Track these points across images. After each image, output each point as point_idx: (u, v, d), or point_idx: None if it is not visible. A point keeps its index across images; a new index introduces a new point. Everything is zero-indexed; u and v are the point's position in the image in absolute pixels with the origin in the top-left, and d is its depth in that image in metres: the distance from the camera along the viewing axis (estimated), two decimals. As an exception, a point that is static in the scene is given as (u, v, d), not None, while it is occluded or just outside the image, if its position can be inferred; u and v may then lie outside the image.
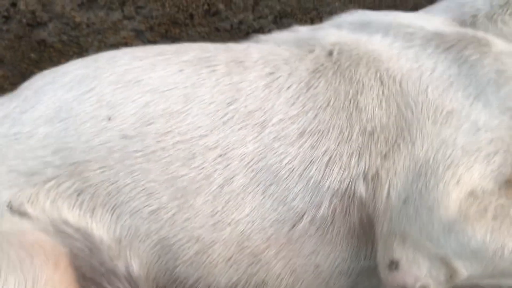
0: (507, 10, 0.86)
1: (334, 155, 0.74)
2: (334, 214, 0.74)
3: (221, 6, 1.14)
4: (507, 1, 0.87)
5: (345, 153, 0.75)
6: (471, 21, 0.87)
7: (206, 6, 1.13)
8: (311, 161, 0.74)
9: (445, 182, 0.69)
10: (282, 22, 1.15)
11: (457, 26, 0.86)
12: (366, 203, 0.74)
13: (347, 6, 1.15)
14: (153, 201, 0.73)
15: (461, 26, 0.87)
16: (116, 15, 1.25)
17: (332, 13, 1.06)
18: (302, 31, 0.93)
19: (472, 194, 0.69)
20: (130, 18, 1.24)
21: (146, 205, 0.73)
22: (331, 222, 0.74)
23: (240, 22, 1.19)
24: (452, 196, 0.68)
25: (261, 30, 1.02)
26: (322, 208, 0.73)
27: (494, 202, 0.68)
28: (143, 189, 0.73)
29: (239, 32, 1.12)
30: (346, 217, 0.74)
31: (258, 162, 0.74)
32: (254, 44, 0.90)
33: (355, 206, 0.74)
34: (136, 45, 1.21)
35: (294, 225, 0.74)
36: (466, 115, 0.75)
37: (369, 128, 0.76)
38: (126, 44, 1.26)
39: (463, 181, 0.69)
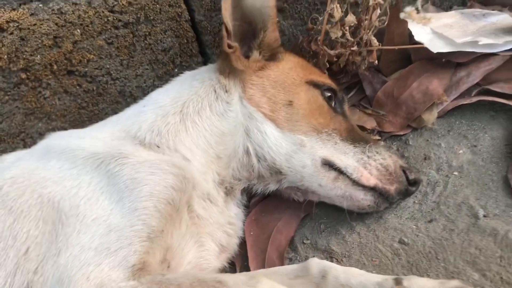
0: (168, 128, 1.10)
1: None
2: None
3: None
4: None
5: (1, 275, 0.88)
6: (140, 138, 1.09)
7: None
8: None
9: (75, 280, 0.82)
10: None
11: (120, 138, 1.08)
12: None
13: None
14: None
15: (126, 136, 1.09)
16: None
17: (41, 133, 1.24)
18: (6, 160, 1.09)
19: (100, 285, 0.82)
20: None
21: None
22: None
23: None
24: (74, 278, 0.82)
25: None
26: None
27: (123, 286, 0.82)
28: None
29: None
30: None
31: None
32: None
33: None
34: None
35: None
36: (105, 220, 0.90)
37: (23, 249, 0.90)
38: None
39: (92, 276, 0.82)
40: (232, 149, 1.14)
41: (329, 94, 1.21)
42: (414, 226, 1.11)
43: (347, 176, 1.09)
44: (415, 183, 1.13)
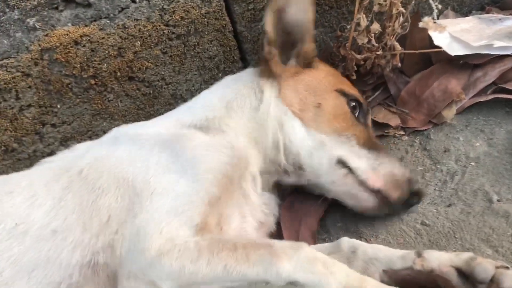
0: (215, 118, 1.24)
1: (78, 242, 1.02)
2: (85, 278, 1.01)
3: (15, 145, 1.36)
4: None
5: (86, 237, 1.02)
6: (193, 124, 1.23)
7: (3, 147, 1.35)
8: (62, 249, 1.01)
9: (150, 234, 0.96)
10: (68, 143, 1.39)
11: (177, 127, 1.22)
12: (108, 265, 1.02)
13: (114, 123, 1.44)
14: None
15: (182, 125, 1.22)
16: None
17: (104, 131, 1.35)
18: (79, 149, 1.23)
19: (171, 239, 0.95)
20: None
21: None
22: (84, 284, 1.01)
23: (34, 151, 1.39)
24: (153, 242, 0.95)
25: (53, 153, 1.28)
26: (74, 277, 1.00)
27: (189, 241, 0.95)
28: None
29: (35, 158, 1.36)
30: (95, 277, 1.02)
31: (22, 258, 1.00)
32: (34, 171, 1.20)
33: (100, 269, 1.02)
34: None
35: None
36: (173, 189, 1.05)
37: (105, 217, 1.04)
38: None
39: (165, 231, 0.96)
40: (265, 139, 1.25)
41: (354, 104, 1.30)
42: (434, 210, 1.22)
43: (356, 176, 1.19)
44: (417, 194, 1.21)
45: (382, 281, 1.02)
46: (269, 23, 1.25)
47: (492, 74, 1.40)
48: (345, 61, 1.47)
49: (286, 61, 1.33)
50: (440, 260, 1.00)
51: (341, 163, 1.21)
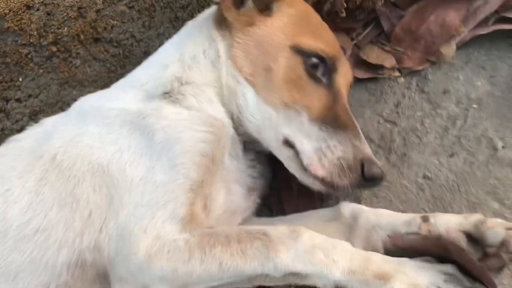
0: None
1: (62, 241, 0.98)
2: (74, 277, 0.98)
3: None
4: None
5: (70, 237, 0.98)
6: (155, 93, 1.11)
7: None
8: (46, 249, 0.98)
9: (135, 234, 0.92)
10: (38, 117, 1.29)
11: (143, 99, 1.11)
12: (96, 263, 0.98)
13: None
14: None
15: (146, 95, 1.11)
16: None
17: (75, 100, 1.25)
18: (47, 125, 1.16)
19: (157, 237, 0.91)
20: None
21: None
22: (73, 283, 0.99)
23: (2, 129, 1.32)
24: (140, 244, 0.90)
25: (23, 129, 1.21)
26: (62, 277, 0.97)
27: (177, 238, 0.91)
28: None
29: (4, 137, 1.26)
30: (84, 275, 0.99)
31: (4, 261, 0.97)
32: (3, 156, 1.12)
33: (88, 267, 0.99)
34: None
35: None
36: (150, 178, 0.98)
37: (87, 212, 0.99)
38: None
39: (149, 229, 0.91)
40: (229, 102, 1.16)
41: (314, 62, 1.12)
42: (436, 161, 1.19)
43: (300, 160, 1.05)
44: (373, 179, 1.04)
45: (386, 249, 1.01)
46: None
47: (494, 1, 1.30)
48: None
49: (241, 4, 1.15)
50: (448, 224, 0.97)
51: (288, 143, 1.08)
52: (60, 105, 1.30)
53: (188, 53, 1.15)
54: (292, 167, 1.07)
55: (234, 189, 1.15)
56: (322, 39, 1.15)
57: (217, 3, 1.11)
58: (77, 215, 0.99)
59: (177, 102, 1.09)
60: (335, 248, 0.89)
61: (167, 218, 0.93)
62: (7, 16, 1.09)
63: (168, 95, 1.10)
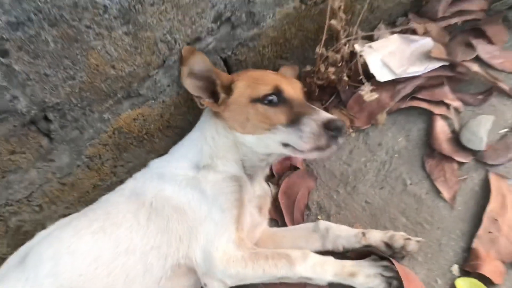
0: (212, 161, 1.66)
1: (166, 254, 1.53)
2: (174, 273, 1.54)
3: (99, 183, 1.88)
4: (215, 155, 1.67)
5: (170, 251, 1.53)
6: (200, 165, 1.64)
7: (92, 186, 1.91)
8: (158, 259, 1.53)
9: (212, 251, 1.48)
10: (131, 173, 1.81)
11: (193, 168, 1.64)
12: (187, 264, 1.54)
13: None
14: None
15: (195, 168, 1.64)
16: None
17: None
18: (137, 179, 1.72)
19: (224, 252, 1.48)
20: None
21: None
22: (174, 276, 1.54)
23: (111, 183, 1.89)
24: (216, 256, 1.47)
25: (122, 181, 1.78)
26: (168, 273, 1.53)
27: (237, 254, 1.49)
28: None
29: (112, 187, 1.80)
30: (180, 271, 1.55)
31: (134, 267, 1.50)
32: (118, 202, 1.64)
33: (182, 267, 1.54)
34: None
35: (159, 281, 1.53)
36: (212, 217, 1.53)
37: (178, 236, 1.54)
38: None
39: (220, 248, 1.48)
40: (239, 155, 1.67)
41: (270, 98, 1.54)
42: (372, 192, 1.78)
43: (294, 147, 1.51)
44: (336, 128, 1.43)
45: (345, 251, 1.62)
46: (189, 86, 1.62)
47: (409, 87, 1.90)
48: (309, 84, 2.00)
49: (218, 98, 1.61)
50: (375, 237, 1.57)
51: (285, 144, 1.54)
52: (145, 162, 1.79)
53: (208, 135, 1.67)
54: (294, 154, 1.55)
55: (252, 211, 1.69)
56: (264, 83, 1.58)
57: (204, 107, 1.66)
58: (172, 238, 1.52)
59: (214, 169, 1.62)
60: (326, 262, 1.47)
61: (226, 240, 1.48)
62: (123, 126, 1.68)
63: (208, 166, 1.63)
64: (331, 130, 1.43)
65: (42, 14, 1.27)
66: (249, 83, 1.59)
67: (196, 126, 1.76)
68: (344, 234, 1.65)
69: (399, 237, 1.59)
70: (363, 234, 1.62)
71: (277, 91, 1.54)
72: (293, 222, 1.85)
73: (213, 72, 1.58)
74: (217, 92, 1.61)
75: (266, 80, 1.59)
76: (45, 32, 1.31)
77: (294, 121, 1.49)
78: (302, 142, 1.46)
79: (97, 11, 1.35)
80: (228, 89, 1.60)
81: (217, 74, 1.59)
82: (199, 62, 1.56)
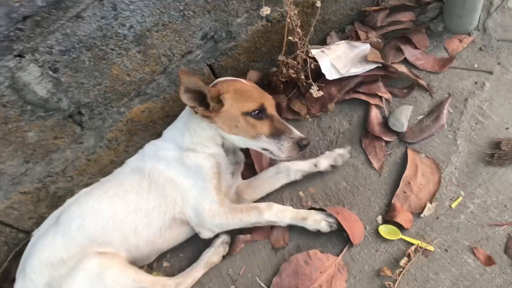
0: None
1: (165, 211, 2.00)
2: (171, 223, 2.03)
3: (115, 159, 2.40)
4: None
5: (168, 209, 1.98)
6: (183, 147, 2.04)
7: (108, 164, 2.40)
8: (158, 214, 1.97)
9: (200, 209, 2.00)
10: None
11: (178, 149, 2.04)
12: (181, 218, 2.03)
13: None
14: None
15: (180, 148, 2.03)
16: None
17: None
18: (137, 159, 2.14)
19: (210, 210, 1.98)
20: None
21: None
22: (171, 226, 2.02)
23: (123, 160, 2.30)
24: (204, 213, 1.99)
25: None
26: (167, 223, 2.01)
27: (219, 210, 1.99)
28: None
29: (122, 162, 2.30)
30: (176, 222, 2.04)
31: (141, 221, 1.97)
32: (127, 174, 2.09)
33: (178, 219, 2.04)
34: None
35: (160, 230, 2.02)
36: (196, 185, 1.99)
37: (173, 199, 1.99)
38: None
39: (207, 207, 1.97)
40: (218, 142, 2.08)
41: (257, 112, 1.92)
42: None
43: (273, 154, 1.96)
44: (304, 146, 1.93)
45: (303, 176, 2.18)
46: (186, 100, 1.91)
47: (352, 83, 2.37)
48: (275, 81, 2.50)
49: (209, 106, 1.93)
50: (324, 163, 2.21)
51: (264, 149, 1.97)
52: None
53: (191, 127, 2.04)
54: (270, 156, 2.00)
55: (227, 178, 2.12)
56: (251, 99, 1.94)
57: (196, 112, 1.94)
58: (169, 200, 1.97)
59: (194, 150, 2.02)
60: (286, 210, 1.96)
61: (211, 202, 1.94)
62: (134, 116, 2.31)
63: (190, 148, 2.03)
64: (300, 146, 1.94)
65: (82, 43, 1.83)
66: (237, 97, 1.96)
67: (181, 114, 2.15)
68: (301, 167, 2.21)
69: (339, 158, 2.22)
70: (315, 164, 2.21)
71: (262, 108, 1.96)
72: (262, 168, 2.33)
73: (203, 87, 1.89)
74: (207, 102, 1.95)
75: (252, 97, 1.97)
76: (83, 54, 1.87)
77: (274, 134, 1.94)
78: (280, 152, 1.95)
79: (118, 39, 1.91)
80: (217, 99, 1.94)
81: (206, 89, 1.91)
82: (191, 82, 1.87)
